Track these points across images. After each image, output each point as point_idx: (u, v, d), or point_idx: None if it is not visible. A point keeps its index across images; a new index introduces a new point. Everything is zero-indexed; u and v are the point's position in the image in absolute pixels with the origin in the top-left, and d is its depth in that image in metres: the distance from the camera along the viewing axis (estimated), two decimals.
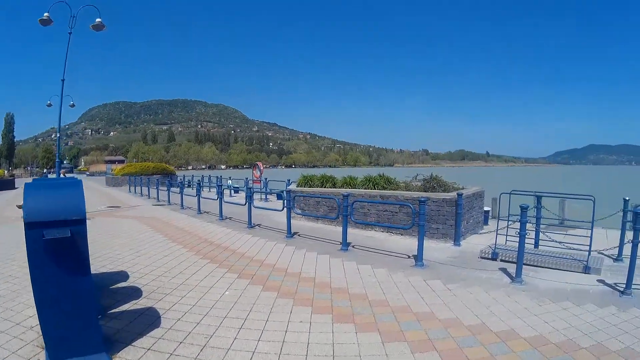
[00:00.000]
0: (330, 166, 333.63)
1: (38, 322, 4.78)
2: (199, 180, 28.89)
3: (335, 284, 8.10)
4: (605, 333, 5.78)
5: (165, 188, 25.31)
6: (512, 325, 6.03)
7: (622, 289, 7.61)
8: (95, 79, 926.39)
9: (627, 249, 8.34)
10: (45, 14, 22.16)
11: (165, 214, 19.52)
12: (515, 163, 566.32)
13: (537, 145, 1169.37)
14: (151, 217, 18.08)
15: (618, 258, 10.01)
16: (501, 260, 9.84)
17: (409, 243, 11.50)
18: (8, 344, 5.31)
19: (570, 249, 9.80)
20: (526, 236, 8.43)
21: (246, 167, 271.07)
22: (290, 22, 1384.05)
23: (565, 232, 11.75)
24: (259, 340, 5.56)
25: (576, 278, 8.50)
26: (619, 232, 10.47)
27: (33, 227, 4.35)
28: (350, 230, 12.26)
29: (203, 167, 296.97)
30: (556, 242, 9.88)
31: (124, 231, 14.22)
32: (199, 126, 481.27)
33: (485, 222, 15.17)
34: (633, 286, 7.49)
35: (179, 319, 6.22)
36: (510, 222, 9.88)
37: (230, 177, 36.06)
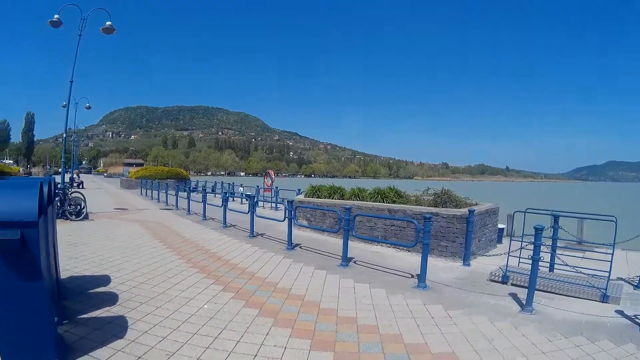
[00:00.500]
0: (349, 177, 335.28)
1: None
2: (203, 186, 28.58)
3: (325, 304, 7.56)
4: None
5: (174, 193, 24.93)
6: None
7: None
8: (118, 83, 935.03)
9: None
10: (56, 16, 22.33)
11: (170, 218, 19.35)
12: (535, 178, 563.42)
13: (557, 160, 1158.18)
14: (154, 222, 17.90)
15: (639, 286, 9.19)
16: (512, 284, 9.10)
17: (415, 261, 10.71)
18: None
19: (588, 274, 8.99)
20: (540, 260, 7.67)
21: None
22: (314, 33, 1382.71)
23: (583, 254, 11.00)
24: None
25: (593, 307, 7.75)
26: None
27: None
28: (355, 244, 12.00)
29: (222, 173, 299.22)
30: (572, 267, 9.06)
31: (122, 234, 14.15)
32: (220, 133, 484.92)
33: (499, 241, 14.35)
34: None
35: (146, 332, 5.93)
36: (524, 243, 9.10)
37: (242, 185, 36.04)
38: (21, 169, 68.63)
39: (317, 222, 15.66)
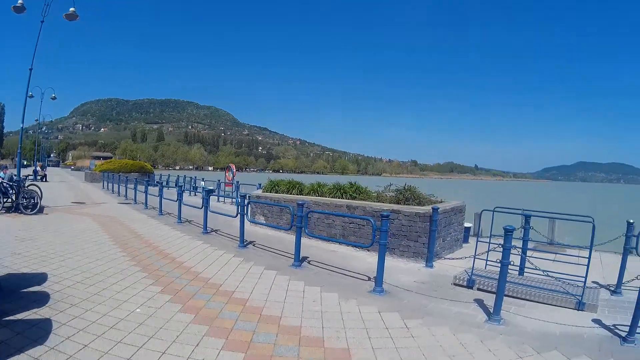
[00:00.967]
0: (318, 173, 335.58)
1: None
2: (159, 180, 27.81)
3: (268, 310, 6.85)
4: None
5: (133, 186, 24.44)
6: None
7: (623, 334, 6.12)
8: (89, 74, 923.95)
9: (627, 279, 7.86)
10: (20, 1, 21.83)
11: (126, 213, 18.79)
12: (504, 177, 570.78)
13: (526, 160, 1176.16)
14: (109, 216, 17.35)
15: (617, 291, 8.52)
16: (478, 289, 8.36)
17: (374, 262, 9.68)
18: None
19: (562, 279, 8.28)
20: (510, 264, 6.82)
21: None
22: (284, 29, 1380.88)
23: (554, 256, 10.30)
24: None
25: (568, 316, 7.05)
26: (617, 256, 9.40)
27: None
28: (313, 243, 11.55)
29: (190, 167, 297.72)
30: (544, 271, 8.22)
31: (73, 229, 13.58)
32: (190, 127, 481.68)
33: (466, 241, 13.62)
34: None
35: (69, 338, 5.40)
36: (492, 245, 8.24)
37: (203, 179, 35.49)
38: None
39: (274, 218, 15.04)
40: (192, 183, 35.48)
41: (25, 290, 7.19)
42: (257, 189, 19.82)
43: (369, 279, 8.85)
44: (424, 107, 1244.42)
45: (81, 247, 10.74)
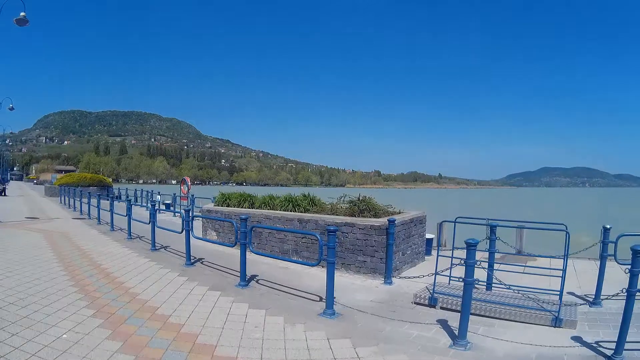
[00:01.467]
0: (281, 185, 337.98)
1: None
2: (111, 195, 27.19)
3: (204, 337, 6.13)
4: None
5: (87, 201, 23.78)
6: None
7: (609, 353, 5.56)
8: (52, 84, 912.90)
9: (607, 289, 7.32)
10: (22, 13, 21.34)
11: (77, 229, 18.08)
12: (468, 185, 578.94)
13: (491, 168, 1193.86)
14: (59, 232, 16.63)
15: (596, 302, 7.85)
16: (442, 308, 7.59)
17: None
18: None
19: (535, 291, 7.58)
20: (476, 282, 6.13)
21: (197, 183, 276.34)
22: (245, 38, 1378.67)
23: (523, 268, 9.58)
24: None
25: (544, 335, 6.36)
26: (591, 263, 8.97)
27: None
28: (264, 259, 10.81)
29: (154, 181, 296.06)
30: (511, 286, 7.49)
31: (19, 246, 13.10)
32: (153, 140, 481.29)
33: (428, 253, 12.87)
34: (626, 346, 5.38)
35: None
36: (455, 260, 7.52)
37: (159, 192, 34.98)
38: None
39: (225, 234, 14.31)
40: (149, 197, 34.77)
41: None
42: (212, 202, 19.07)
43: (321, 299, 8.03)
44: (386, 116, 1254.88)
45: (22, 265, 10.29)
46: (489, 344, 5.98)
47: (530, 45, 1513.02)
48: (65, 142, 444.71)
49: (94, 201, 23.01)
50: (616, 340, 5.39)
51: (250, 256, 9.81)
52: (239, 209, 14.16)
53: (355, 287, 9.15)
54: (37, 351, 5.41)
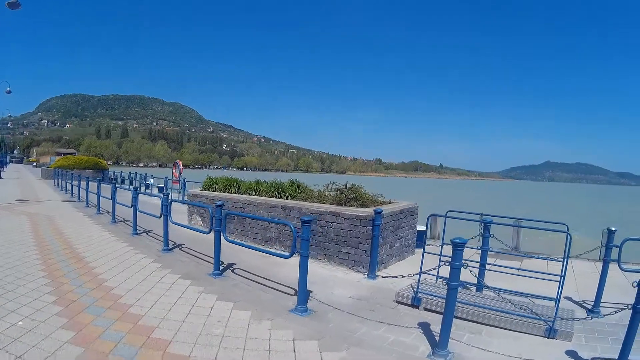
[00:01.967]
0: (282, 170, 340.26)
1: None
2: (99, 179, 26.88)
3: (160, 331, 5.69)
4: None
5: (77, 183, 23.62)
6: None
7: None
8: (55, 68, 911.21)
9: (607, 295, 6.97)
10: None
11: (64, 212, 17.85)
12: (469, 176, 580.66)
13: (493, 159, 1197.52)
14: (46, 215, 16.37)
15: (595, 310, 7.10)
16: (425, 309, 6.92)
17: (311, 270, 8.16)
18: None
19: (529, 295, 7.03)
20: (461, 286, 5.43)
21: (197, 167, 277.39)
22: (249, 26, 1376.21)
23: (519, 265, 8.97)
24: None
25: (536, 347, 5.70)
26: (591, 264, 8.75)
27: None
28: (243, 248, 9.76)
29: (154, 165, 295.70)
30: (499, 293, 6.87)
31: (1, 229, 12.76)
32: (154, 124, 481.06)
33: (420, 246, 11.91)
34: None
35: None
36: (443, 257, 6.64)
37: (152, 176, 34.87)
38: None
39: (205, 219, 13.94)
40: (143, 180, 34.78)
41: None
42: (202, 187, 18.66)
43: (296, 292, 7.33)
44: (390, 105, 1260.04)
45: None
46: (474, 354, 5.37)
47: (538, 44, 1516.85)
48: (67, 125, 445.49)
49: (84, 184, 22.47)
50: (617, 358, 4.79)
51: (230, 243, 9.35)
52: (224, 194, 13.77)
53: (336, 280, 8.55)
54: None
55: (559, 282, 6.31)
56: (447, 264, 5.37)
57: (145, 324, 5.86)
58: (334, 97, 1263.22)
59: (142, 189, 30.80)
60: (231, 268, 9.12)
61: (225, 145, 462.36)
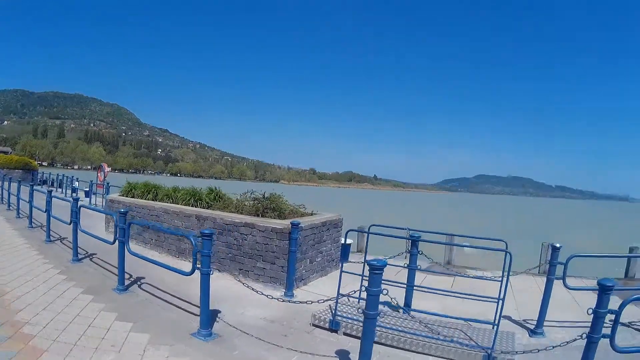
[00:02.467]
0: (215, 178, 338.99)
1: None
2: (19, 180, 25.93)
3: (48, 355, 5.12)
4: None
5: (1, 184, 23.07)
6: None
7: None
8: None
9: (550, 314, 6.67)
10: None
11: None
12: (404, 188, 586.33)
13: (427, 172, 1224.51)
14: None
15: (537, 331, 6.72)
16: (345, 334, 6.30)
17: (223, 286, 8.16)
18: None
19: (463, 320, 6.35)
20: (378, 315, 4.88)
21: (132, 172, 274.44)
22: (191, 28, 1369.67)
23: (451, 283, 8.55)
24: None
25: None
26: (530, 278, 8.59)
27: None
28: (158, 259, 9.61)
29: (89, 167, 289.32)
30: (424, 322, 6.36)
31: None
32: (92, 125, 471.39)
33: (345, 259, 11.42)
34: None
35: None
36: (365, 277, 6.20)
37: (77, 179, 33.88)
38: None
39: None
40: (70, 183, 33.34)
41: None
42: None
43: None
44: (325, 114, 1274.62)
45: None
46: None
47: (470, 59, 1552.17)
48: (5, 122, 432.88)
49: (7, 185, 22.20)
50: None
51: (145, 254, 8.99)
52: (141, 200, 13.16)
53: (250, 299, 7.75)
54: None
55: (497, 304, 5.81)
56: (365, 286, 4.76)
57: (36, 346, 5.31)
58: (266, 104, 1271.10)
59: (69, 192, 29.63)
60: (138, 282, 8.52)
61: (160, 150, 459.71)
